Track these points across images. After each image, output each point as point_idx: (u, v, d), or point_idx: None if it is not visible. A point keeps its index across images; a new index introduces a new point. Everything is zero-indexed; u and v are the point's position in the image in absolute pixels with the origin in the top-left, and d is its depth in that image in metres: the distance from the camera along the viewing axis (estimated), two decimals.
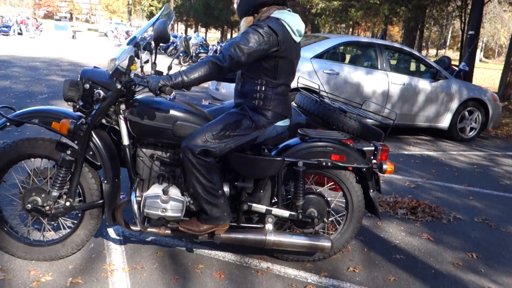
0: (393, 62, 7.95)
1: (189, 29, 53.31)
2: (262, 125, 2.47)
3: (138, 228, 2.49)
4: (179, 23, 54.37)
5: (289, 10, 2.47)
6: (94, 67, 2.55)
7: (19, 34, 30.57)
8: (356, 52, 7.53)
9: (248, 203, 2.63)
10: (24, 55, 16.31)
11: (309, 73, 6.17)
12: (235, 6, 2.51)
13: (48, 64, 13.92)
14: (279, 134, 2.61)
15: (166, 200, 2.41)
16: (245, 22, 2.40)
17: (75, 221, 2.64)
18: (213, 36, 59.49)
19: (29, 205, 2.45)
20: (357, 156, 2.71)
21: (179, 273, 2.62)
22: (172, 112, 2.47)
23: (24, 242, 2.58)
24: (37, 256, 2.58)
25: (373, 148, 2.81)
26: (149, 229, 2.54)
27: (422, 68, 7.65)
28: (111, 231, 3.03)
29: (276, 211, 2.67)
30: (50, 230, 2.74)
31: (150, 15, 54.82)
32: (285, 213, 2.69)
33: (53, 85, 9.57)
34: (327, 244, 2.68)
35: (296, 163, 2.60)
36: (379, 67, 6.72)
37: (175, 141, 2.49)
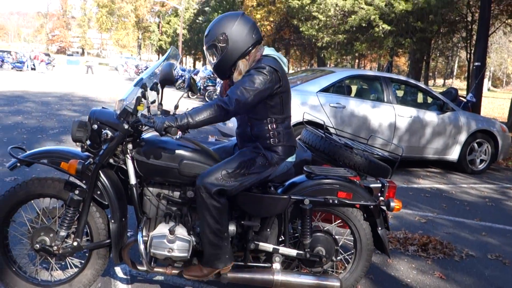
0: (400, 94, 8.00)
1: (197, 62, 54.24)
2: (276, 162, 2.49)
3: (144, 268, 2.48)
4: (187, 56, 55.33)
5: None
6: (102, 107, 2.60)
7: (32, 69, 31.27)
8: (362, 86, 7.60)
9: (255, 242, 2.61)
10: (37, 90, 16.64)
11: (315, 107, 6.22)
12: (210, 66, 2.54)
13: (60, 99, 14.17)
14: (290, 169, 2.63)
15: (172, 240, 2.41)
16: (242, 65, 2.43)
17: (83, 261, 2.64)
18: None
19: (37, 245, 2.46)
20: (364, 193, 2.70)
21: None
22: (178, 151, 2.49)
23: (32, 283, 2.58)
24: None
25: (380, 185, 2.80)
26: (155, 269, 2.52)
27: (429, 100, 7.67)
28: (118, 270, 3.02)
29: (283, 250, 2.65)
30: (57, 270, 2.73)
31: (159, 49, 55.98)
32: (293, 252, 2.66)
33: (64, 120, 9.72)
34: (336, 284, 2.63)
35: (303, 201, 2.59)
36: (385, 100, 6.76)
37: (182, 180, 2.50)
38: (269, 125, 2.47)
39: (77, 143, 2.44)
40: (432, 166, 7.80)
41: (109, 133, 2.43)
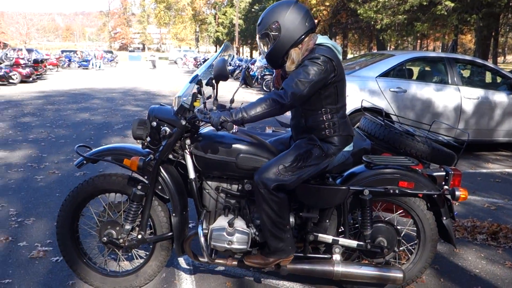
0: (465, 75, 7.58)
1: (254, 51, 54.36)
2: (333, 152, 2.45)
3: (205, 260, 2.54)
4: (244, 46, 55.60)
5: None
6: (161, 104, 2.67)
7: (99, 68, 32.74)
8: (424, 68, 7.27)
9: (314, 233, 2.59)
10: (102, 87, 17.46)
11: (374, 92, 6.03)
12: (263, 55, 2.51)
13: (124, 95, 14.76)
14: (348, 159, 2.58)
15: (231, 233, 2.44)
16: (295, 53, 2.39)
17: (147, 253, 2.75)
18: None
19: (105, 238, 2.58)
20: (426, 182, 2.60)
21: None
22: (234, 145, 2.51)
23: (101, 273, 2.72)
24: (112, 286, 2.70)
25: (444, 173, 2.68)
26: (216, 261, 2.58)
27: (498, 79, 7.21)
28: (181, 261, 3.11)
29: (343, 241, 2.61)
30: (124, 261, 2.87)
31: (217, 40, 56.65)
32: (353, 243, 2.62)
33: (128, 115, 10.12)
34: (399, 275, 2.57)
35: (362, 191, 2.54)
36: (450, 82, 6.44)
37: (239, 174, 2.53)
38: (324, 116, 2.42)
39: (138, 141, 2.52)
40: (503, 149, 7.36)
41: (168, 130, 2.50)
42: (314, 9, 23.80)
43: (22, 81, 18.52)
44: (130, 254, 2.78)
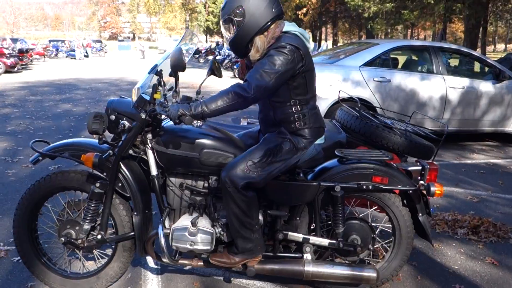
0: (451, 64, 7.48)
1: None
2: (304, 146, 2.32)
3: (167, 261, 2.41)
4: None
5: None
6: (120, 96, 2.52)
7: (85, 56, 32.27)
8: (409, 57, 7.14)
9: (284, 232, 2.47)
10: (89, 77, 17.16)
11: (358, 82, 5.90)
12: (226, 42, 2.36)
13: (109, 85, 14.51)
14: (319, 153, 2.45)
15: (194, 233, 2.31)
16: (260, 41, 2.25)
17: (110, 253, 2.61)
18: None
19: (63, 238, 2.44)
20: (401, 177, 2.48)
21: None
22: (198, 140, 2.37)
23: (61, 275, 2.59)
24: None
25: (420, 167, 2.57)
26: (180, 261, 2.45)
27: (485, 69, 7.11)
28: (149, 260, 2.98)
29: (314, 239, 2.49)
30: (86, 262, 2.73)
31: (207, 29, 56.16)
32: (324, 242, 2.50)
33: None
34: (373, 274, 2.46)
35: (333, 187, 2.41)
36: (434, 71, 6.32)
37: (204, 170, 2.39)
38: (293, 108, 2.29)
39: (95, 135, 2.37)
40: (489, 139, 7.28)
41: (127, 124, 2.35)
42: None
43: (6, 71, 18.19)
44: (92, 255, 2.65)
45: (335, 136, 2.87)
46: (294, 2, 25.98)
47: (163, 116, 2.37)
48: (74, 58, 31.01)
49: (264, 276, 2.76)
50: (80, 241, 2.43)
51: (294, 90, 2.26)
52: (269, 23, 2.24)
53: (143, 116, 2.30)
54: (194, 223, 2.31)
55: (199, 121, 2.20)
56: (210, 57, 24.96)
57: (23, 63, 20.34)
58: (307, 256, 2.50)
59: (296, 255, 2.52)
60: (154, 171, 2.41)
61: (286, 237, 2.48)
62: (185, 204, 2.47)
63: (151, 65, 2.44)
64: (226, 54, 26.37)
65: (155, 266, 2.91)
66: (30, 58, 22.88)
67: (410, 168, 2.57)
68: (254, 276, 2.74)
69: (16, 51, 20.31)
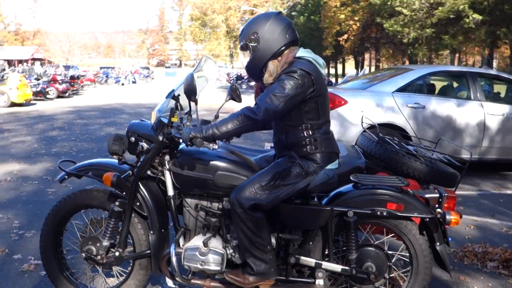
0: (490, 90, 7.26)
1: None
2: (313, 171, 2.33)
3: (179, 280, 2.46)
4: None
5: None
6: (141, 120, 2.64)
7: (133, 82, 33.56)
8: (445, 83, 7.01)
9: (296, 256, 2.47)
10: (134, 103, 17.82)
11: (391, 108, 5.84)
12: (244, 67, 2.44)
13: (152, 110, 14.94)
14: (332, 178, 2.45)
15: (205, 253, 2.35)
16: (272, 65, 2.32)
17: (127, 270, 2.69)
18: None
19: (83, 254, 2.55)
20: (418, 204, 2.44)
21: None
22: (212, 162, 2.44)
23: None
24: None
25: (437, 195, 2.51)
26: (193, 281, 2.49)
27: None
28: (168, 280, 3.03)
29: (326, 265, 2.47)
30: (106, 278, 2.82)
31: None
32: (337, 268, 2.47)
33: None
34: None
35: (346, 212, 2.41)
36: (472, 97, 6.16)
37: (217, 191, 2.45)
38: (304, 132, 2.32)
39: (114, 156, 2.49)
40: None
41: (145, 146, 2.46)
42: (344, 23, 23.62)
43: (58, 96, 19.19)
44: (112, 272, 2.73)
45: (354, 161, 2.87)
46: (335, 28, 26.11)
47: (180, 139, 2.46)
48: (123, 84, 32.28)
49: None
50: (99, 257, 2.53)
51: (306, 114, 2.30)
52: (282, 48, 2.31)
53: (160, 138, 2.39)
54: (205, 244, 2.36)
55: (214, 144, 2.27)
56: (252, 83, 25.42)
57: (74, 88, 21.42)
58: (319, 281, 2.47)
59: (309, 280, 2.51)
60: (170, 191, 2.49)
61: (299, 262, 2.47)
62: (200, 224, 2.53)
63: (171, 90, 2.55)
64: (246, 77, 26.74)
65: (173, 286, 2.96)
66: (81, 84, 24.06)
67: (427, 196, 2.52)
68: None
69: (68, 78, 21.44)
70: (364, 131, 3.33)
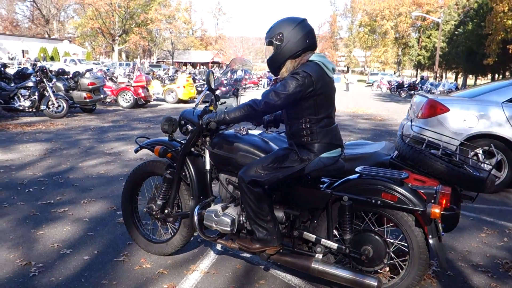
0: None
1: (458, 77, 50.58)
2: (307, 158, 2.71)
3: (209, 236, 3.04)
4: (447, 71, 52.22)
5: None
6: (193, 108, 3.30)
7: None
8: None
9: (300, 231, 2.86)
10: None
11: (497, 119, 5.52)
12: (266, 61, 2.87)
13: None
14: (330, 165, 2.75)
15: (219, 215, 2.91)
16: (290, 64, 2.73)
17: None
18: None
19: (145, 209, 3.33)
20: (411, 197, 2.62)
21: (239, 283, 3.04)
22: (237, 144, 2.98)
23: (146, 238, 3.47)
24: (150, 249, 3.43)
25: (433, 191, 2.65)
26: (219, 241, 3.07)
27: None
28: (218, 245, 3.66)
29: (325, 242, 2.81)
30: (163, 231, 3.55)
31: (418, 64, 54.55)
32: (333, 245, 2.79)
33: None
34: (373, 283, 2.64)
35: (342, 197, 2.72)
36: None
37: (239, 169, 2.98)
38: (303, 125, 2.70)
39: (165, 134, 3.20)
40: None
41: (189, 127, 3.13)
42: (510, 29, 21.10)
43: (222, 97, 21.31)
44: (167, 227, 3.46)
45: (379, 157, 3.16)
46: (500, 35, 23.57)
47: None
48: None
49: (298, 273, 3.14)
50: (155, 213, 3.28)
51: (306, 110, 2.68)
52: (300, 51, 2.73)
53: (200, 122, 3.03)
54: (223, 208, 2.93)
55: (243, 129, 2.85)
56: (414, 92, 24.60)
57: (234, 90, 23.50)
58: (319, 256, 2.82)
59: (310, 253, 2.88)
60: (207, 166, 3.12)
61: (301, 236, 2.87)
62: (229, 196, 3.10)
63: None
64: (428, 89, 25.60)
65: (219, 249, 3.58)
66: (243, 86, 26.24)
67: (423, 191, 2.68)
68: (288, 270, 3.20)
69: (232, 81, 23.60)
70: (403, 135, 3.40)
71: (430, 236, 2.63)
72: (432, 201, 2.63)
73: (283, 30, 2.72)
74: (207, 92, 3.08)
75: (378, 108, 19.40)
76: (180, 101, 17.49)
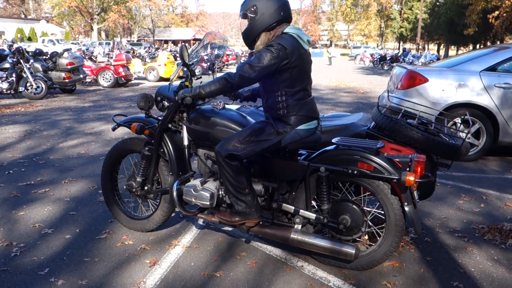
0: None
1: (440, 48, 50.80)
2: (283, 130, 2.73)
3: (181, 210, 3.06)
4: (429, 43, 52.36)
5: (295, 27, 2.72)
6: (169, 84, 3.28)
7: None
8: None
9: (279, 203, 2.90)
10: None
11: (475, 88, 5.59)
12: (241, 34, 2.84)
13: None
14: (307, 137, 2.78)
15: (198, 190, 2.93)
16: (264, 37, 2.72)
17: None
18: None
19: (125, 186, 3.33)
20: (387, 166, 2.66)
21: (221, 256, 3.09)
22: (213, 118, 2.98)
23: (127, 215, 3.48)
24: (132, 226, 3.44)
25: (408, 159, 2.70)
26: (199, 215, 3.09)
27: None
28: (200, 220, 3.68)
29: (303, 212, 2.86)
30: (143, 208, 3.56)
31: (400, 36, 54.57)
32: (312, 216, 2.84)
33: None
34: (351, 250, 2.71)
35: (319, 168, 2.75)
36: None
37: (217, 143, 2.98)
38: (279, 97, 2.70)
39: (142, 111, 3.18)
40: None
41: (165, 104, 3.11)
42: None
43: (203, 74, 21.15)
44: (146, 203, 3.46)
45: (356, 129, 3.19)
46: (480, 5, 23.62)
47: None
48: None
49: (280, 244, 3.20)
50: (135, 189, 3.28)
51: (281, 83, 2.67)
52: (274, 24, 2.70)
53: (176, 98, 3.01)
54: (202, 183, 2.94)
55: (220, 104, 2.84)
56: (395, 64, 24.67)
57: (218, 66, 23.37)
58: (298, 226, 2.87)
59: (289, 224, 2.92)
60: (185, 142, 3.11)
61: (280, 208, 2.91)
62: (208, 170, 3.11)
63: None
64: (410, 61, 25.65)
65: (201, 223, 3.61)
66: (225, 62, 26.05)
67: (398, 160, 2.72)
68: (269, 242, 3.24)
69: (214, 56, 23.41)
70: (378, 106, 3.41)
71: (406, 203, 2.69)
72: (407, 169, 2.68)
73: (257, 2, 2.69)
74: (182, 67, 3.05)
75: (361, 81, 19.46)
76: (161, 79, 17.29)
